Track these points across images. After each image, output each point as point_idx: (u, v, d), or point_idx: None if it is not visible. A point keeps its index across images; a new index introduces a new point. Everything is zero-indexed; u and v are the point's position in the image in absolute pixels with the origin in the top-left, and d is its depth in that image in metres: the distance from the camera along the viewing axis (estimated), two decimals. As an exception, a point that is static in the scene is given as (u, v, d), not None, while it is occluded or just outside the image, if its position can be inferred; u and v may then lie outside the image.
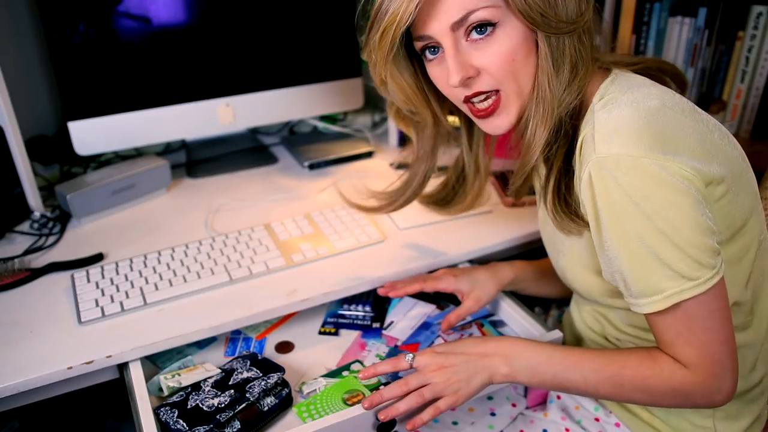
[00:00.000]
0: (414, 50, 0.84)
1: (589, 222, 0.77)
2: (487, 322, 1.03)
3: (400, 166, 1.39)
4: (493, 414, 0.95)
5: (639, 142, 0.68)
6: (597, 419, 0.93)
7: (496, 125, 0.80)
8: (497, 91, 0.78)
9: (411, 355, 0.84)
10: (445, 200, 1.05)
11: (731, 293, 0.79)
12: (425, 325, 1.02)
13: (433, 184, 1.04)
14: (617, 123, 0.71)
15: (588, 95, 0.79)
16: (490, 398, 0.97)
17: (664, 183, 0.68)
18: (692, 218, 0.68)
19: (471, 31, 0.75)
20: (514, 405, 0.97)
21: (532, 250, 1.17)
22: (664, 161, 0.68)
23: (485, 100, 0.78)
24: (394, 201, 1.02)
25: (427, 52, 0.80)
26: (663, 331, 0.75)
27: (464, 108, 0.82)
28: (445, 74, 0.78)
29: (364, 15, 0.81)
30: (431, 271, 1.10)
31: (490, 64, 0.75)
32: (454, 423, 0.93)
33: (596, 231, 0.74)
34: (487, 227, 1.14)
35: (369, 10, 0.79)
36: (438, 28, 0.75)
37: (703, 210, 0.69)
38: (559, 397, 0.96)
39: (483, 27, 0.74)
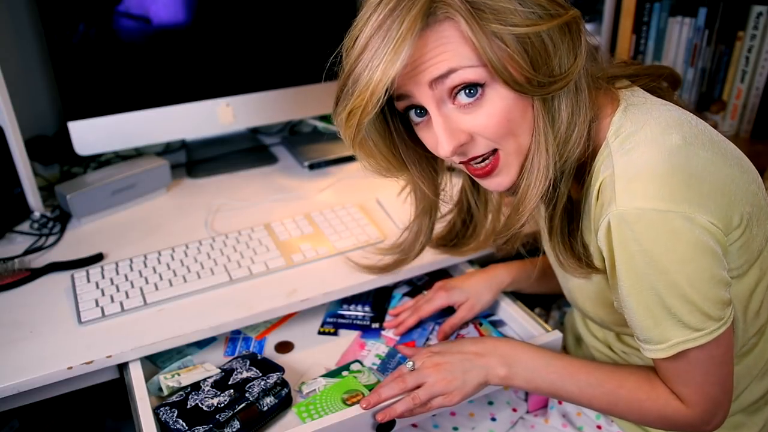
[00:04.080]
0: (393, 108, 0.76)
1: (596, 267, 0.76)
2: (487, 321, 1.03)
3: (400, 166, 1.39)
4: (493, 419, 0.95)
5: (662, 192, 0.65)
6: (599, 427, 0.92)
7: (497, 183, 0.75)
8: (495, 150, 0.72)
9: (411, 363, 0.84)
10: (454, 243, 1.01)
11: (744, 322, 0.79)
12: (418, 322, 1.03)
13: (440, 224, 0.98)
14: (639, 169, 0.67)
15: (599, 129, 0.74)
16: (490, 403, 0.97)
17: (687, 238, 0.65)
18: (710, 273, 0.67)
19: (458, 94, 0.69)
20: (514, 410, 0.96)
21: (532, 250, 1.16)
22: (689, 212, 0.65)
23: (483, 161, 0.73)
24: (410, 254, 0.98)
25: (413, 114, 0.74)
26: (662, 371, 0.76)
27: (461, 168, 0.77)
28: (435, 141, 0.72)
29: (338, 62, 0.73)
30: (431, 272, 1.10)
31: (484, 128, 0.69)
32: (455, 429, 0.93)
33: (611, 275, 0.73)
34: (486, 227, 1.14)
35: (344, 60, 0.71)
36: (414, 84, 0.69)
37: (721, 263, 0.68)
38: (560, 403, 0.96)
39: (471, 89, 0.68)
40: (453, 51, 0.66)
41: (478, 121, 0.69)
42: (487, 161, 0.73)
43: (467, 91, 0.68)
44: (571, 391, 0.81)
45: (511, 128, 0.70)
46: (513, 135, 0.70)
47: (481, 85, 0.68)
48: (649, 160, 0.67)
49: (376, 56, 0.65)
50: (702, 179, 0.67)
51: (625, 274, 0.69)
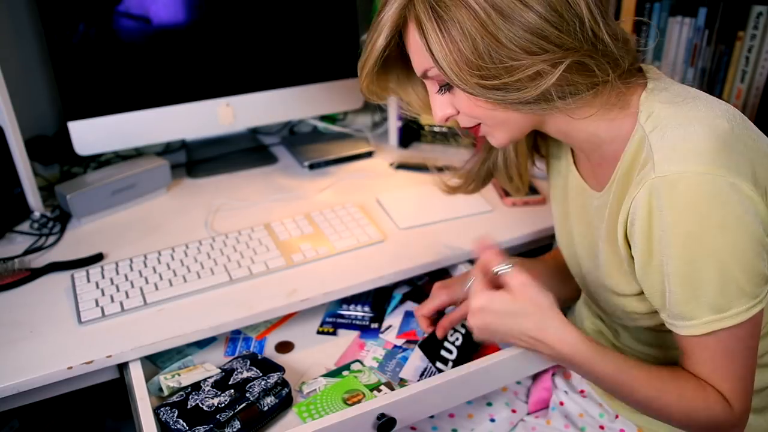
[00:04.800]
0: None
1: (631, 243, 0.74)
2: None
3: (399, 166, 1.39)
4: (492, 420, 0.94)
5: (705, 158, 0.65)
6: (602, 427, 0.92)
7: (493, 143, 0.82)
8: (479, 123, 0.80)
9: (470, 282, 0.82)
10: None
11: None
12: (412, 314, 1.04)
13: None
14: (684, 141, 0.67)
15: (625, 109, 0.74)
16: (489, 404, 0.97)
17: (732, 202, 0.65)
18: (752, 242, 0.66)
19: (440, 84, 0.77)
20: (514, 411, 0.96)
21: (532, 250, 1.17)
22: (733, 179, 0.65)
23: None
24: (467, 182, 1.00)
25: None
26: (699, 364, 0.73)
27: None
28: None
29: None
30: (431, 272, 1.10)
31: (461, 107, 0.77)
32: (454, 430, 0.93)
33: (645, 250, 0.71)
34: (487, 227, 1.14)
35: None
36: (416, 72, 0.78)
37: (763, 235, 0.67)
38: (561, 403, 0.95)
39: (445, 85, 0.76)
40: (423, 52, 0.72)
41: (456, 103, 0.78)
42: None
43: (442, 86, 0.77)
44: (629, 401, 0.79)
45: (482, 116, 0.76)
46: (489, 115, 0.76)
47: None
48: (699, 134, 0.67)
49: (369, 38, 0.77)
50: (747, 157, 0.67)
51: (660, 243, 0.68)
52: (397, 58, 0.82)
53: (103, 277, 1.01)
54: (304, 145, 1.47)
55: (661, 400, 0.75)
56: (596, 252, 0.84)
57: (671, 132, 0.69)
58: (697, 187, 0.65)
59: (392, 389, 0.89)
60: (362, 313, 1.05)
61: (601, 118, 0.75)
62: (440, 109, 0.79)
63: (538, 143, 0.96)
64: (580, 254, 0.89)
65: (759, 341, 0.73)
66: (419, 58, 0.75)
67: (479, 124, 0.79)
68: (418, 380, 0.87)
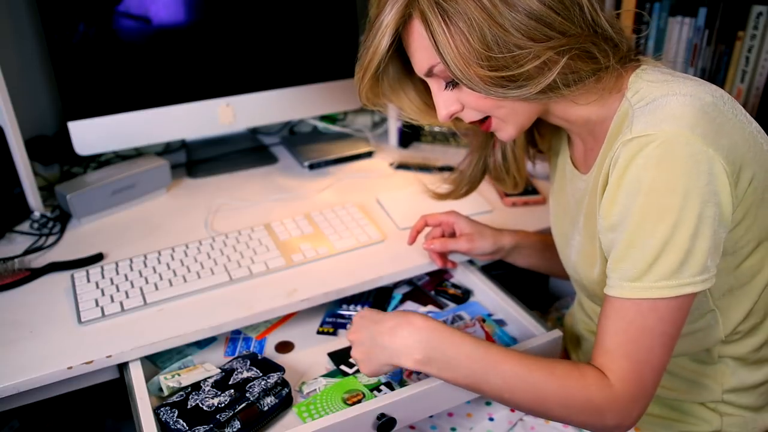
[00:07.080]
0: None
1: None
2: (491, 319, 1.03)
3: (399, 166, 1.39)
4: (491, 419, 0.94)
5: (687, 124, 0.66)
6: None
7: (501, 136, 0.82)
8: (488, 116, 0.80)
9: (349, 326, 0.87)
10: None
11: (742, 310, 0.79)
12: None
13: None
14: (664, 108, 0.68)
15: (616, 92, 0.76)
16: (488, 403, 0.97)
17: (697, 171, 0.65)
18: (705, 216, 0.66)
19: (445, 80, 0.78)
20: (513, 410, 0.96)
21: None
22: (710, 150, 0.65)
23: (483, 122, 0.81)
24: (459, 187, 1.01)
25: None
26: (610, 334, 0.72)
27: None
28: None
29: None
30: (431, 272, 1.10)
31: (468, 102, 0.78)
32: (453, 429, 0.93)
33: (609, 202, 0.72)
34: (487, 227, 1.14)
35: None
36: (418, 72, 0.79)
37: (715, 219, 0.67)
38: None
39: (451, 80, 0.76)
40: (428, 48, 0.73)
41: (463, 97, 0.78)
42: (483, 122, 0.81)
43: (448, 82, 0.77)
44: (494, 383, 0.75)
45: (490, 108, 0.77)
46: (498, 106, 0.76)
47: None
48: (682, 104, 0.68)
49: (371, 41, 0.77)
50: (726, 136, 0.68)
51: (618, 198, 0.69)
52: (389, 64, 0.82)
53: (103, 277, 1.01)
54: (304, 145, 1.47)
55: (531, 376, 0.73)
56: (573, 235, 0.86)
57: (654, 102, 0.70)
58: (669, 146, 0.66)
59: (392, 389, 0.89)
60: (362, 313, 1.05)
61: (600, 102, 0.76)
62: (445, 106, 0.79)
63: (537, 140, 0.97)
64: (575, 245, 0.89)
65: (677, 335, 0.71)
66: (424, 55, 0.75)
67: (488, 119, 0.80)
68: (418, 380, 0.87)
